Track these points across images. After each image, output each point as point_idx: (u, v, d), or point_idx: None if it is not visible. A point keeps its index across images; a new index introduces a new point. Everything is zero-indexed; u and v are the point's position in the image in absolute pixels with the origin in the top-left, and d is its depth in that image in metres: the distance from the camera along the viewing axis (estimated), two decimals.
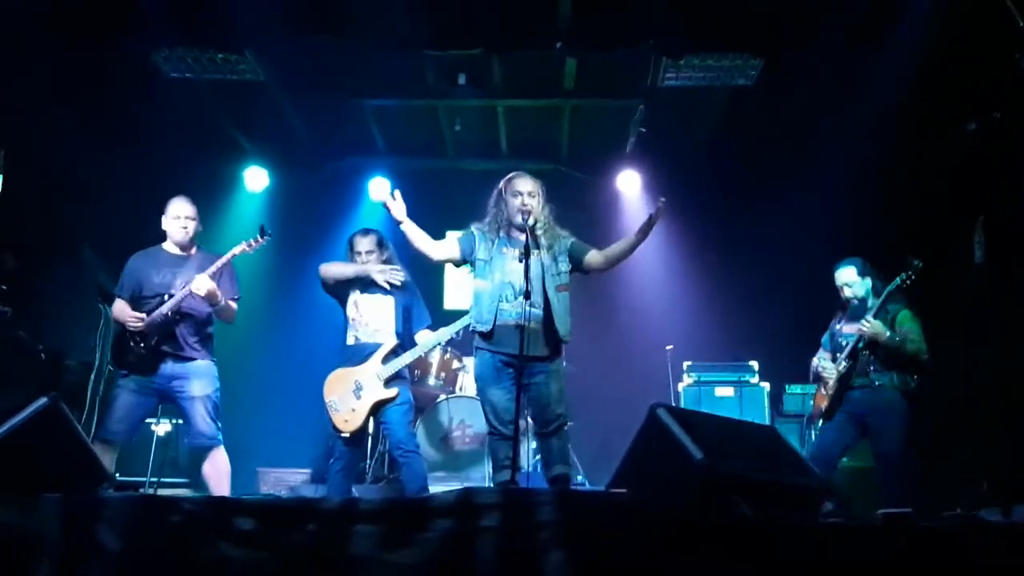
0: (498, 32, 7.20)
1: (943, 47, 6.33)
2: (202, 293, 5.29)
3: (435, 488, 5.72)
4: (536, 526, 2.69)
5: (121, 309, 5.41)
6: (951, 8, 6.12)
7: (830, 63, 6.99)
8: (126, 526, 2.93)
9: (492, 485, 5.88)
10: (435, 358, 7.42)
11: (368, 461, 7.19)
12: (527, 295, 4.75)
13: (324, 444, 6.87)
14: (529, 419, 5.48)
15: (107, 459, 4.97)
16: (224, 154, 9.33)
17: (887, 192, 7.35)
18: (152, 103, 7.81)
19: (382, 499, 3.16)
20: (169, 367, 5.37)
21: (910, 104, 6.90)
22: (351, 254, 5.84)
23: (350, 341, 5.77)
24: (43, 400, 3.80)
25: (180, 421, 6.73)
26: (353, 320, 5.77)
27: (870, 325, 5.54)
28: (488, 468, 6.71)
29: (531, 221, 4.99)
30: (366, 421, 5.66)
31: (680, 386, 7.97)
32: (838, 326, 5.96)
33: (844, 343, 5.80)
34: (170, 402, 5.50)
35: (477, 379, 5.15)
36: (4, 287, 6.60)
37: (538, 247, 5.04)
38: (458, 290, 9.28)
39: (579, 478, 7.24)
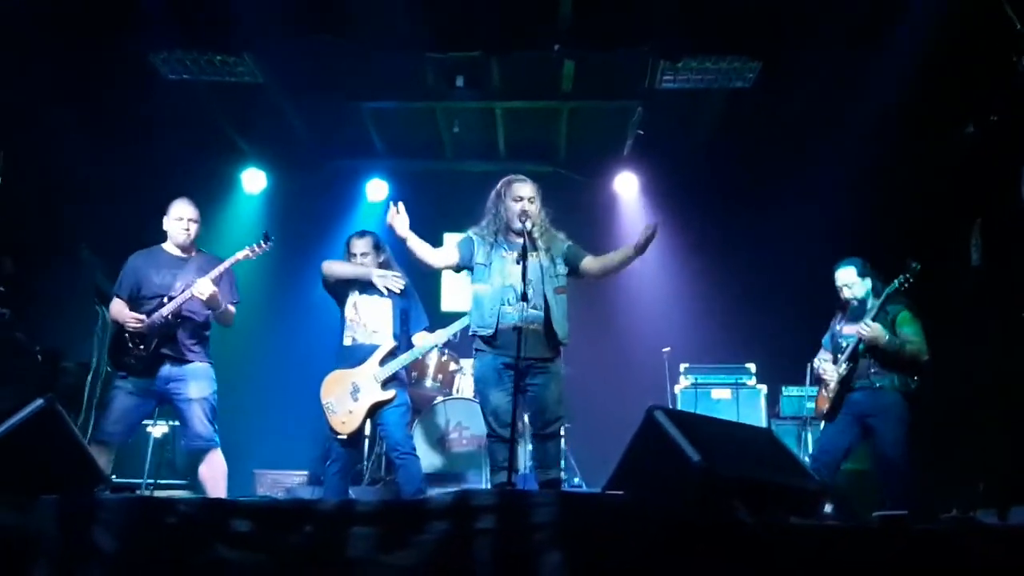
0: (497, 34, 7.21)
1: (941, 50, 6.34)
2: (204, 297, 5.28)
3: (432, 490, 5.72)
4: (533, 528, 2.68)
5: (119, 309, 5.40)
6: (949, 11, 6.13)
7: (828, 65, 7.00)
8: (123, 528, 2.93)
9: (489, 487, 5.87)
10: (432, 360, 7.42)
11: (365, 463, 7.19)
12: (524, 296, 4.76)
13: (321, 446, 6.87)
14: (526, 421, 5.48)
15: (103, 461, 4.96)
16: (222, 156, 9.33)
17: (885, 194, 7.36)
18: (151, 104, 7.81)
19: (379, 501, 3.15)
20: (167, 369, 5.36)
21: (908, 106, 6.91)
22: (348, 256, 5.84)
23: (347, 342, 5.77)
24: (40, 401, 3.81)
25: (176, 423, 6.72)
26: (351, 321, 5.77)
27: (869, 328, 5.53)
28: (485, 470, 6.71)
29: (529, 226, 5.01)
30: (363, 423, 5.66)
31: (677, 388, 7.97)
32: (838, 327, 5.96)
33: (844, 344, 5.80)
34: (167, 404, 5.49)
35: (477, 381, 5.14)
36: (2, 289, 6.59)
37: (536, 249, 5.04)
38: (455, 292, 9.28)
39: (576, 480, 7.25)
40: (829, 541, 2.84)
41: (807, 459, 6.04)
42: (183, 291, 5.34)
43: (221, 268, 5.41)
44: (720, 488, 3.10)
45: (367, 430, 6.11)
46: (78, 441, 4.03)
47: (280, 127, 8.98)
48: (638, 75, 7.82)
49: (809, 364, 6.20)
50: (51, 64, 6.77)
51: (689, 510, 2.90)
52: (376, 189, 9.69)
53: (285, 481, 7.65)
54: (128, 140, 7.86)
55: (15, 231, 6.90)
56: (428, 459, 6.91)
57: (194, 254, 5.60)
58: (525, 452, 6.72)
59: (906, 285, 5.53)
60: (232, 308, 5.59)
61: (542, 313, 4.98)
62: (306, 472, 7.73)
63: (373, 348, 5.66)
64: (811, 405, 6.25)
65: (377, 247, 5.86)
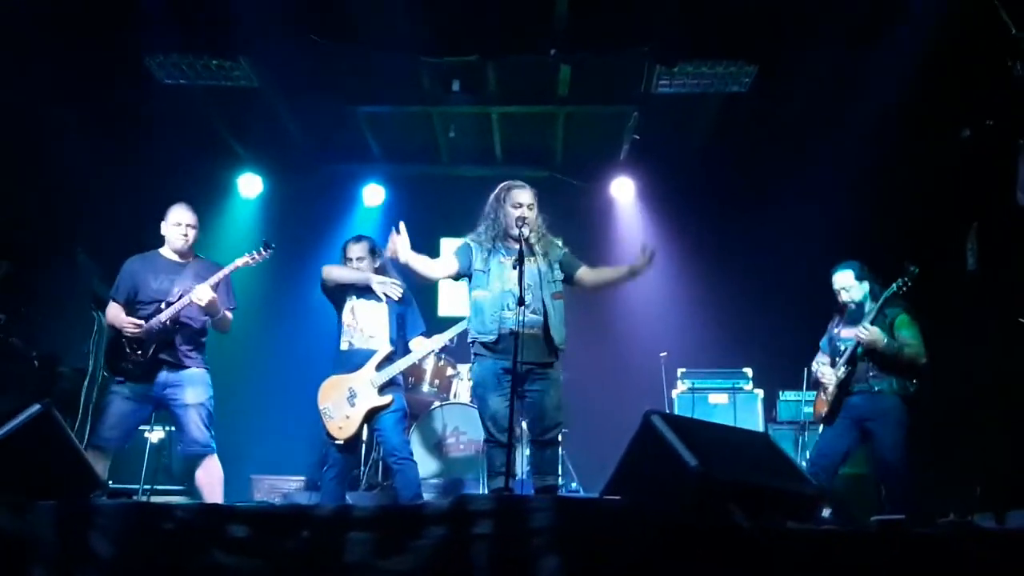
0: (493, 38, 7.23)
1: (937, 54, 6.36)
2: (203, 303, 5.28)
3: (429, 495, 5.72)
4: (530, 533, 2.68)
5: (116, 314, 5.39)
6: (944, 14, 6.14)
7: (824, 69, 7.02)
8: (119, 533, 2.93)
9: (486, 492, 5.87)
10: (429, 365, 7.43)
11: (362, 468, 7.18)
12: (520, 301, 4.75)
13: (318, 451, 6.86)
14: (524, 426, 5.47)
15: (100, 466, 4.95)
16: (218, 160, 9.33)
17: (882, 197, 7.37)
18: (147, 109, 7.81)
19: (376, 506, 3.15)
20: (164, 375, 5.35)
21: (904, 110, 6.93)
22: (344, 260, 5.85)
23: (344, 347, 5.76)
24: (36, 407, 3.80)
25: (173, 428, 6.71)
26: (348, 326, 5.77)
27: (868, 332, 5.53)
28: (483, 475, 6.71)
29: (527, 232, 5.03)
30: (360, 428, 5.65)
31: (674, 393, 7.97)
32: (836, 330, 5.96)
33: (842, 347, 5.80)
34: (164, 410, 5.48)
35: (477, 386, 5.11)
36: None
37: (534, 255, 5.07)
38: (452, 297, 9.28)
39: (573, 484, 7.24)
40: (826, 546, 2.84)
41: (805, 463, 6.04)
42: (181, 297, 5.33)
43: (221, 275, 5.41)
44: (717, 492, 3.10)
45: (364, 435, 6.10)
46: (75, 446, 4.02)
47: (276, 131, 8.98)
48: (634, 80, 7.83)
49: (806, 368, 6.21)
50: (46, 67, 6.76)
51: (686, 515, 2.90)
52: (372, 193, 9.70)
53: (282, 486, 7.63)
54: (125, 144, 7.85)
55: (11, 234, 6.89)
56: (425, 464, 6.90)
57: (191, 260, 5.59)
58: (523, 457, 6.72)
59: (904, 289, 5.53)
60: (229, 314, 5.58)
61: (541, 318, 4.98)
62: (303, 477, 7.72)
63: (370, 353, 5.65)
64: (808, 409, 6.27)
65: (373, 252, 5.85)
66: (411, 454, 5.72)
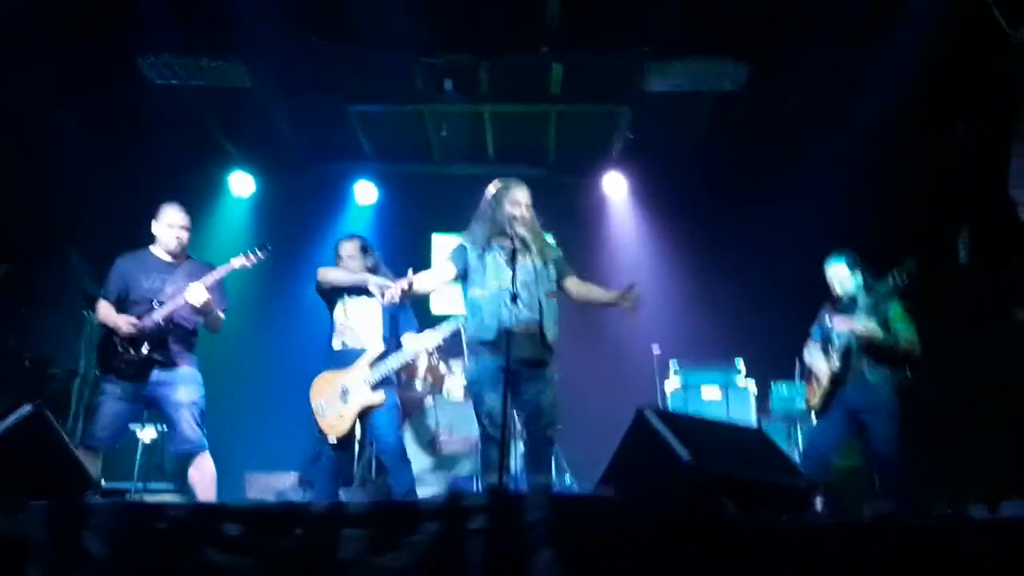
0: (485, 37, 7.22)
1: (931, 53, 6.37)
2: (198, 303, 5.27)
3: (423, 491, 5.72)
4: (524, 528, 2.68)
5: (107, 312, 5.37)
6: (940, 13, 6.16)
7: (817, 67, 7.04)
8: (112, 533, 2.92)
9: (480, 487, 5.87)
10: (422, 362, 7.42)
11: (355, 465, 7.17)
12: (513, 298, 4.75)
13: (311, 449, 6.86)
14: (519, 424, 5.47)
15: (91, 465, 4.92)
16: (210, 159, 9.33)
17: (874, 194, 7.39)
18: (140, 109, 7.80)
19: (369, 503, 3.14)
20: (156, 374, 5.33)
21: (899, 108, 6.95)
22: (337, 259, 5.84)
23: (337, 346, 5.76)
24: (28, 407, 3.79)
25: (165, 427, 6.69)
26: (340, 325, 5.76)
27: (864, 327, 5.53)
28: (476, 471, 6.72)
29: (524, 230, 5.03)
30: (353, 425, 5.64)
31: (667, 387, 7.98)
32: (828, 320, 5.95)
33: (835, 338, 5.80)
34: (154, 408, 5.46)
35: (473, 383, 5.07)
36: None
37: (529, 252, 5.06)
38: (444, 295, 9.28)
39: (567, 479, 7.24)
40: (820, 539, 2.85)
41: (797, 456, 6.05)
42: (174, 296, 5.32)
43: (216, 275, 5.40)
44: (710, 487, 3.10)
45: (357, 432, 6.09)
46: (67, 446, 4.01)
47: (268, 131, 8.97)
48: (627, 78, 7.83)
49: (798, 359, 6.20)
50: (40, 67, 6.77)
51: (679, 509, 2.91)
52: (364, 192, 9.70)
53: (275, 484, 7.61)
54: (118, 144, 7.85)
55: (6, 235, 6.88)
56: (419, 461, 6.90)
57: (183, 260, 5.58)
58: (516, 453, 6.72)
59: (902, 283, 5.52)
60: (221, 314, 5.57)
61: (537, 316, 4.98)
62: (296, 475, 7.70)
63: (362, 352, 5.65)
64: (801, 404, 6.26)
65: (365, 250, 5.85)
66: (405, 451, 5.72)
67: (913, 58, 6.55)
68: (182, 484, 6.06)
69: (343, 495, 6.24)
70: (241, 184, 9.51)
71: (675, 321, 8.68)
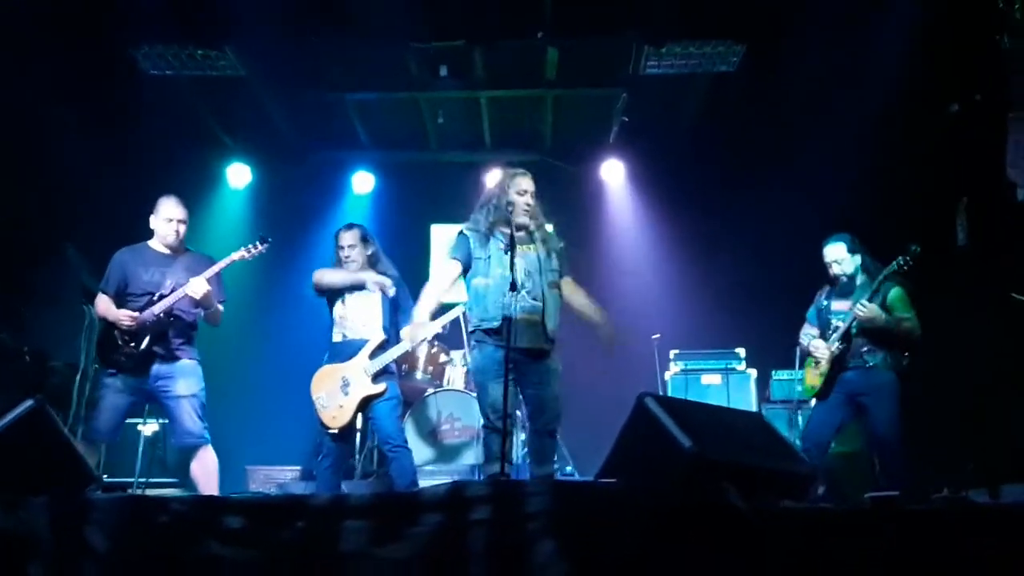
0: (480, 23, 7.19)
1: (926, 30, 6.35)
2: (199, 296, 5.26)
3: (424, 482, 5.72)
4: (526, 517, 2.69)
5: (107, 306, 5.37)
6: None
7: (812, 47, 6.99)
8: (115, 527, 2.93)
9: (482, 477, 5.88)
10: (422, 352, 7.42)
11: (357, 456, 7.18)
12: (513, 286, 4.75)
13: (312, 441, 6.86)
14: (521, 414, 5.48)
15: (91, 459, 4.93)
16: (206, 150, 9.30)
17: (872, 174, 7.36)
18: (134, 101, 7.77)
19: (371, 494, 3.15)
20: (156, 367, 5.33)
21: (894, 87, 6.91)
22: (337, 249, 5.83)
23: (337, 339, 5.75)
24: (29, 402, 3.79)
25: (167, 421, 6.70)
26: (340, 318, 5.76)
27: (867, 309, 5.50)
28: (478, 461, 6.72)
29: (528, 219, 5.07)
30: (354, 417, 5.65)
31: (667, 374, 7.99)
32: (825, 302, 5.93)
33: (834, 321, 5.78)
34: (154, 402, 5.47)
35: (477, 372, 5.06)
36: None
37: (533, 241, 5.09)
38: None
39: (568, 468, 7.26)
40: (821, 524, 2.85)
41: (798, 442, 6.05)
42: (173, 289, 5.32)
43: (216, 268, 5.40)
44: (711, 473, 3.11)
45: (359, 424, 6.10)
46: (68, 441, 4.02)
47: (264, 121, 8.95)
48: (622, 61, 7.82)
49: (797, 346, 6.19)
50: (34, 62, 6.73)
51: (681, 496, 2.91)
52: (362, 181, 9.68)
53: (277, 477, 7.63)
54: (113, 137, 7.80)
55: (2, 232, 6.86)
56: (420, 451, 6.91)
57: (182, 253, 5.57)
58: (518, 442, 6.73)
59: (906, 267, 5.50)
60: (221, 307, 5.57)
61: (541, 304, 4.99)
62: (298, 467, 7.71)
63: (363, 343, 5.64)
64: (801, 388, 6.24)
65: (365, 240, 5.83)
66: (406, 441, 5.72)
67: (904, 35, 6.51)
68: (183, 478, 6.06)
69: (345, 487, 6.26)
70: (238, 175, 9.49)
71: (675, 310, 8.68)
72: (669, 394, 7.70)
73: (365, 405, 5.61)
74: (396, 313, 5.81)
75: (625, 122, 8.83)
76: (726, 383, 7.83)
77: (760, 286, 8.26)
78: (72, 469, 3.91)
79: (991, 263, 6.11)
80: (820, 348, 5.80)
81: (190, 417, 5.31)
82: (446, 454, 7.12)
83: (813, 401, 6.00)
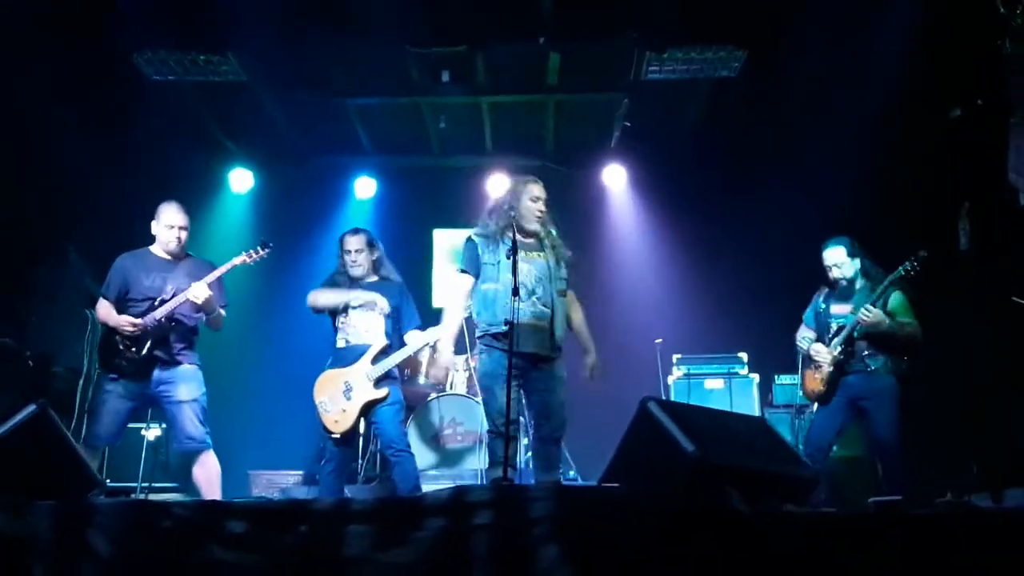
0: (481, 28, 7.20)
1: (927, 34, 6.35)
2: (200, 301, 5.27)
3: (427, 487, 5.72)
4: (530, 522, 2.69)
5: (108, 311, 5.38)
6: None
7: (814, 52, 6.99)
8: (118, 532, 2.92)
9: (485, 482, 5.88)
10: (425, 357, 7.42)
11: (360, 461, 7.19)
12: (515, 291, 4.75)
13: (315, 445, 6.87)
14: (528, 420, 5.48)
15: (92, 464, 4.94)
16: (209, 155, 9.32)
17: (874, 177, 7.36)
18: (137, 106, 7.79)
19: (374, 499, 3.14)
20: (157, 372, 5.34)
21: (895, 91, 6.92)
22: (342, 254, 5.83)
23: (340, 344, 5.76)
24: (33, 407, 3.80)
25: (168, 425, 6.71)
26: (343, 324, 5.76)
27: (872, 315, 5.50)
28: (481, 466, 6.72)
29: (539, 226, 5.14)
30: (357, 422, 5.65)
31: (670, 379, 7.98)
32: (824, 304, 5.92)
33: (833, 324, 5.78)
34: (155, 407, 5.47)
35: (485, 376, 5.08)
36: None
37: (543, 249, 5.14)
38: (446, 289, 9.28)
39: (571, 473, 7.25)
40: (824, 529, 2.85)
41: (800, 446, 6.05)
42: (174, 294, 5.32)
43: (218, 273, 5.41)
44: (714, 477, 3.11)
45: (361, 428, 6.10)
46: (71, 446, 4.02)
47: (266, 125, 8.95)
48: (624, 66, 7.82)
49: (797, 348, 6.16)
50: (36, 65, 6.74)
51: (684, 500, 2.91)
52: (364, 186, 9.69)
53: (280, 481, 7.63)
54: (115, 141, 7.83)
55: (3, 233, 6.87)
56: (423, 456, 6.91)
57: (183, 258, 5.58)
58: (521, 447, 6.73)
59: (913, 272, 5.49)
60: (223, 311, 5.57)
61: (550, 311, 5.03)
62: (301, 472, 7.72)
63: (366, 348, 5.65)
64: (800, 393, 6.22)
65: (371, 244, 5.85)
66: (408, 446, 5.72)
67: (905, 39, 6.52)
68: (185, 483, 6.06)
69: (348, 491, 6.26)
70: (240, 180, 9.50)
71: (678, 314, 8.68)
72: (672, 399, 7.69)
73: (368, 410, 5.62)
74: (399, 319, 5.82)
75: (627, 127, 8.83)
76: (729, 387, 7.82)
77: (762, 290, 8.26)
78: (75, 474, 3.93)
79: (993, 267, 6.11)
80: (822, 352, 5.79)
81: (191, 422, 5.31)
82: (449, 459, 7.11)
83: (815, 406, 5.99)
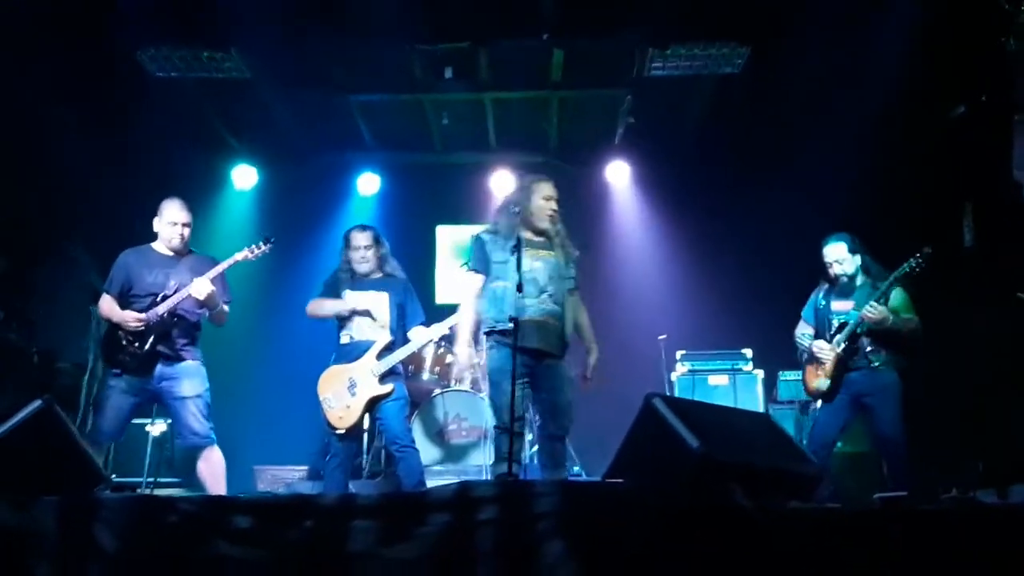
0: (484, 24, 7.19)
1: (931, 31, 6.34)
2: (202, 296, 5.27)
3: (432, 482, 5.72)
4: (534, 517, 2.69)
5: (110, 307, 5.38)
6: None
7: (817, 49, 6.99)
8: (123, 527, 2.93)
9: (490, 478, 5.88)
10: (429, 353, 7.43)
11: (365, 456, 7.20)
12: (519, 287, 4.76)
13: (320, 441, 6.86)
14: (533, 417, 5.50)
15: (96, 459, 4.95)
16: (212, 152, 9.32)
17: (877, 175, 7.35)
18: (140, 102, 7.78)
19: (379, 494, 3.15)
20: (160, 368, 5.34)
21: (899, 88, 6.91)
22: (347, 250, 5.83)
23: (344, 340, 5.77)
24: (38, 402, 3.80)
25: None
26: (347, 320, 5.76)
27: (876, 311, 5.49)
28: (486, 461, 6.73)
29: (549, 224, 5.16)
30: (361, 417, 5.66)
31: (674, 375, 7.98)
32: (824, 301, 5.91)
33: (835, 321, 5.77)
34: (159, 403, 5.48)
35: (495, 371, 5.04)
36: None
37: (553, 248, 5.16)
38: (450, 286, 9.29)
39: (575, 468, 7.26)
40: (829, 525, 2.85)
41: (804, 442, 6.05)
42: (177, 290, 5.33)
43: (220, 268, 5.41)
44: (719, 473, 3.11)
45: (366, 424, 6.11)
46: (77, 441, 4.02)
47: (269, 122, 8.95)
48: (627, 63, 7.82)
49: (797, 344, 6.15)
50: (40, 64, 6.74)
51: (689, 496, 2.91)
52: (367, 183, 9.69)
53: (285, 476, 7.64)
54: (119, 139, 7.83)
55: (7, 231, 6.88)
56: (427, 452, 6.91)
57: (186, 254, 5.58)
58: (527, 443, 6.73)
59: (917, 269, 5.49)
60: (226, 307, 5.57)
61: (560, 309, 5.06)
62: (306, 467, 7.72)
63: (370, 344, 5.66)
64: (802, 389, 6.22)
65: (377, 241, 5.88)
66: (413, 442, 5.74)
67: (909, 36, 6.51)
68: (189, 478, 6.07)
69: (353, 487, 6.26)
70: (243, 176, 9.50)
71: (682, 310, 8.68)
72: (676, 395, 7.69)
73: (372, 406, 5.63)
74: (403, 315, 5.83)
75: (632, 124, 8.82)
76: (733, 384, 7.82)
77: (766, 286, 8.25)
78: (81, 469, 3.92)
79: (998, 264, 6.11)
80: (825, 349, 5.78)
81: (195, 418, 5.32)
82: (453, 454, 7.12)
83: (819, 402, 5.99)
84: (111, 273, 5.48)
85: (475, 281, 5.21)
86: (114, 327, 5.36)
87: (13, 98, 6.78)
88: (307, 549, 2.86)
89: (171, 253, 5.52)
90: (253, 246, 5.53)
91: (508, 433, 4.80)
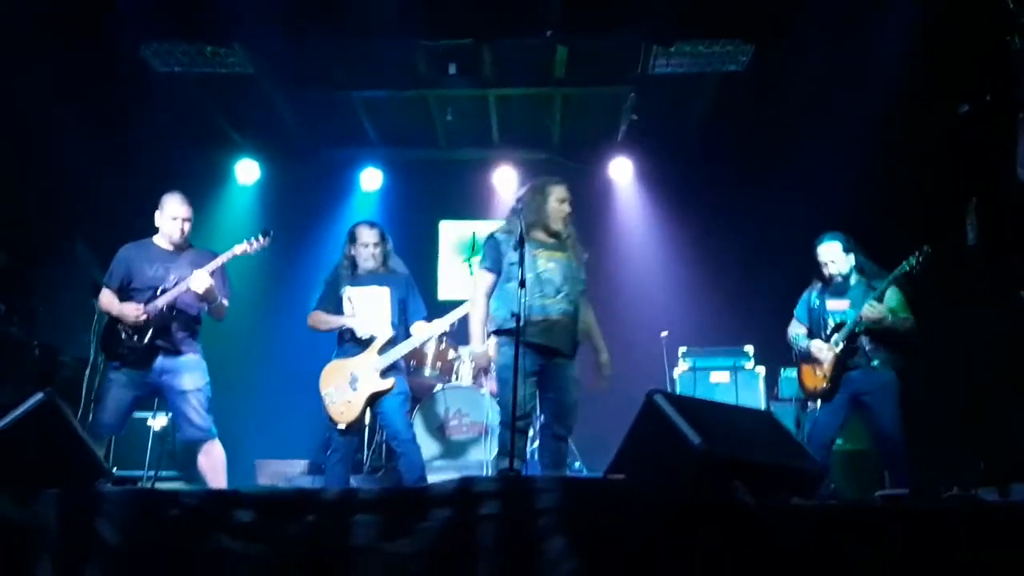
0: (488, 20, 7.19)
1: (934, 30, 6.33)
2: (201, 290, 5.27)
3: (433, 478, 5.73)
4: (535, 513, 2.69)
5: (110, 300, 5.39)
6: None
7: (821, 47, 6.99)
8: (125, 520, 2.93)
9: (492, 473, 5.89)
10: (431, 348, 7.43)
11: (366, 451, 7.20)
12: (522, 283, 4.76)
13: (321, 435, 6.88)
14: (537, 415, 5.50)
15: (99, 452, 4.96)
16: (215, 147, 9.33)
17: (880, 173, 7.35)
18: (143, 98, 7.79)
19: (381, 489, 3.15)
20: (160, 361, 5.35)
21: (903, 86, 6.90)
22: (354, 245, 5.82)
23: (346, 335, 5.77)
24: (40, 395, 3.81)
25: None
26: (349, 315, 5.76)
27: (875, 310, 5.50)
28: (487, 456, 6.74)
29: (562, 226, 5.19)
30: (362, 412, 5.66)
31: (675, 372, 7.98)
32: (818, 300, 5.91)
33: (830, 320, 5.77)
34: (159, 396, 5.49)
35: (504, 368, 5.04)
36: None
37: (565, 249, 5.19)
38: (452, 281, 9.29)
39: (577, 464, 7.26)
40: (830, 522, 2.85)
41: (805, 440, 6.04)
42: (177, 284, 5.33)
43: (219, 261, 5.41)
44: (720, 470, 3.11)
45: (367, 419, 6.11)
46: (79, 434, 4.02)
47: (272, 118, 8.96)
48: (631, 60, 7.81)
49: (791, 344, 6.14)
50: (40, 63, 6.74)
51: (690, 493, 2.91)
52: (370, 178, 9.69)
53: (286, 471, 7.64)
54: (119, 137, 7.84)
55: (9, 226, 6.88)
56: (428, 447, 6.92)
57: (186, 248, 5.59)
58: (530, 439, 6.73)
59: (917, 268, 5.49)
60: (225, 302, 5.57)
61: (573, 309, 5.09)
62: (307, 461, 7.73)
63: (372, 339, 5.66)
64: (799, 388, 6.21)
65: (384, 237, 5.88)
66: (414, 437, 5.74)
67: (913, 34, 6.50)
68: (190, 472, 6.08)
69: (354, 481, 6.27)
70: (246, 171, 9.51)
71: (683, 307, 8.68)
72: (678, 391, 7.70)
73: (373, 401, 5.63)
74: (405, 310, 5.83)
75: (635, 121, 8.81)
76: (735, 381, 7.82)
77: (768, 284, 8.23)
78: (82, 462, 3.93)
79: (1001, 263, 6.10)
80: (823, 349, 5.78)
81: (196, 411, 5.33)
82: (454, 450, 7.12)
83: (818, 402, 5.99)
84: (111, 267, 5.49)
85: (487, 280, 5.21)
86: (113, 320, 5.37)
87: (13, 98, 6.78)
88: (308, 543, 2.86)
89: (172, 247, 5.53)
90: (252, 239, 5.52)
91: (516, 431, 4.83)
